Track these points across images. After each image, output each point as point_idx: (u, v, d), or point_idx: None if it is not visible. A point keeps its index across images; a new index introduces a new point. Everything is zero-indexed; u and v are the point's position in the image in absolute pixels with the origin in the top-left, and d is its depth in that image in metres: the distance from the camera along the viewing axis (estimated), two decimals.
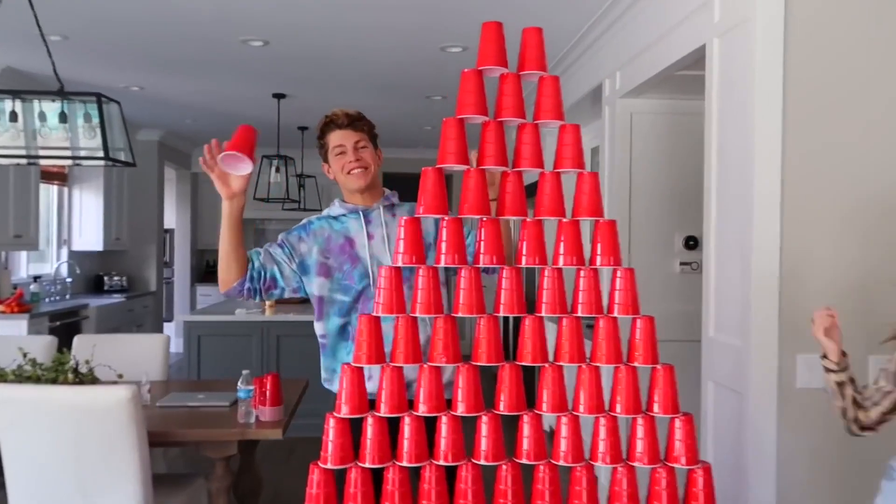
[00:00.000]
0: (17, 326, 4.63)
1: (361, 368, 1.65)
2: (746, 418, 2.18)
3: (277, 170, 5.68)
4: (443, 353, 1.65)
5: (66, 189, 6.55)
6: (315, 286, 2.08)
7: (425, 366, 1.65)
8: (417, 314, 1.65)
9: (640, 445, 1.65)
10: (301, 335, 4.88)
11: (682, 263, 3.46)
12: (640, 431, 1.67)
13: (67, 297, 6.19)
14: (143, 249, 7.48)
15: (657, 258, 3.46)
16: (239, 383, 2.48)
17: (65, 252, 6.57)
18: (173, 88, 5.51)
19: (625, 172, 3.46)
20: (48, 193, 6.32)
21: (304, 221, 2.16)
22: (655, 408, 1.68)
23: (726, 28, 2.37)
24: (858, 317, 2.07)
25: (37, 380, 2.56)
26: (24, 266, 5.95)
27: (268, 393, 2.49)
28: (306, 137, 7.01)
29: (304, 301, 5.81)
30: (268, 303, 5.49)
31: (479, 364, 1.66)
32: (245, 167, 1.96)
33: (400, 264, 1.66)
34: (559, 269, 1.70)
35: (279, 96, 5.54)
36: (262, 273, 2.05)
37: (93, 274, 7.04)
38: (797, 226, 2.17)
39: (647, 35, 3.05)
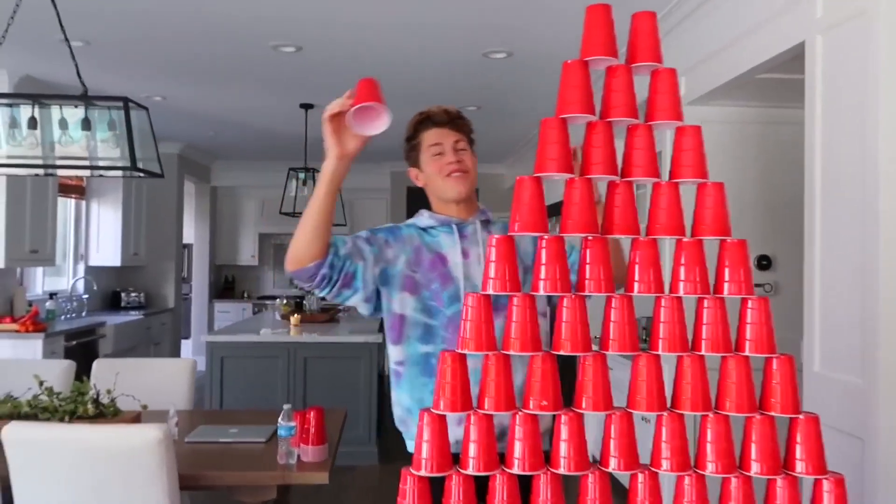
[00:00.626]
0: (32, 346, 4.39)
1: (445, 417, 1.37)
2: (874, 467, 1.88)
3: (304, 183, 5.44)
4: (541, 397, 1.37)
5: (83, 202, 6.35)
6: (396, 302, 1.73)
7: (520, 413, 1.37)
8: (511, 351, 1.37)
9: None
10: (330, 357, 4.62)
11: (755, 285, 3.16)
12: (779, 495, 1.38)
13: (84, 314, 5.96)
14: (162, 265, 7.25)
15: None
16: (280, 419, 2.20)
17: (81, 267, 6.35)
18: (197, 98, 5.29)
19: None
20: (65, 207, 6.12)
21: (389, 225, 1.83)
22: (799, 466, 1.39)
23: (833, 23, 2.10)
24: None
25: (54, 412, 2.31)
26: (39, 281, 5.73)
27: (311, 430, 2.22)
28: None
29: (331, 320, 5.60)
30: (292, 321, 5.23)
31: (583, 411, 1.38)
32: (376, 125, 1.59)
33: (491, 291, 1.38)
34: (679, 299, 1.42)
35: (307, 106, 5.31)
36: (345, 265, 1.67)
37: (110, 290, 6.82)
38: None
39: (721, 35, 2.79)
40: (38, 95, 2.69)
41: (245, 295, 9.11)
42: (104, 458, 1.88)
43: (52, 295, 5.56)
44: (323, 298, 1.72)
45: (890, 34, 1.88)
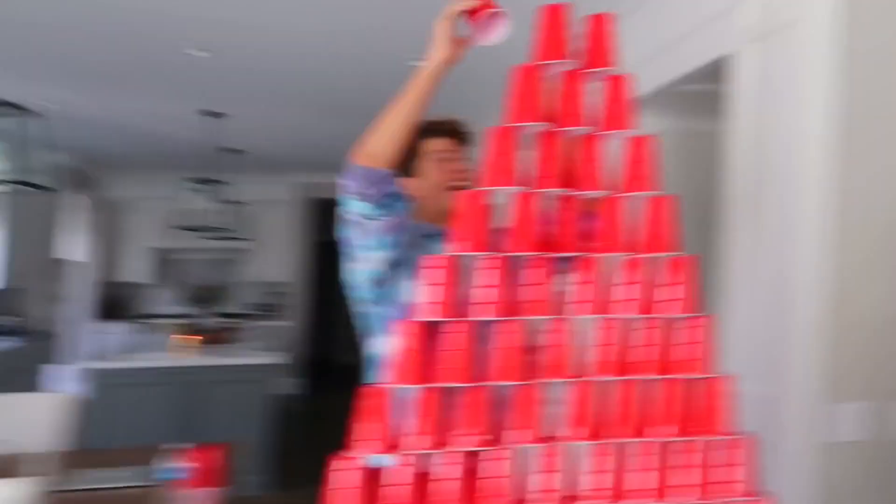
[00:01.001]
0: None
1: None
2: (779, 474, 1.85)
3: (205, 196, 5.07)
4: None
5: None
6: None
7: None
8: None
9: None
10: (235, 381, 4.28)
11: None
12: None
13: None
14: (42, 286, 6.59)
15: None
16: (155, 459, 1.92)
17: None
18: (96, 106, 4.80)
19: None
20: None
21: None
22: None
23: (758, 35, 2.08)
24: None
25: None
26: None
27: (204, 468, 1.95)
28: (241, 161, 6.38)
29: (226, 341, 5.21)
30: (186, 343, 4.83)
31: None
32: (489, 36, 1.43)
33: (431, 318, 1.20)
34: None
35: (216, 114, 4.94)
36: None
37: None
38: (848, 260, 1.86)
39: (643, 48, 2.75)
40: None
41: (133, 315, 8.46)
42: None
43: None
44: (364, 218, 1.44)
45: (817, 44, 1.86)
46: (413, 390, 1.19)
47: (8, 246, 5.78)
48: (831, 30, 1.84)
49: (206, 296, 5.91)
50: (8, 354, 5.43)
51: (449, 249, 1.23)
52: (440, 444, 1.18)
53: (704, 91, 2.47)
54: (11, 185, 2.41)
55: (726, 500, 1.27)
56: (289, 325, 7.87)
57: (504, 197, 1.25)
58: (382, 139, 1.45)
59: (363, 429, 1.17)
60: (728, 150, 2.19)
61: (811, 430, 1.88)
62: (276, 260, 8.19)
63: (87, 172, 7.37)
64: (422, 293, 1.22)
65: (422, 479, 1.18)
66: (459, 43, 1.44)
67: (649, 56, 2.76)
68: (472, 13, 1.42)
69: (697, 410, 1.31)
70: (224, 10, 3.08)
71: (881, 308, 1.89)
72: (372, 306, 1.58)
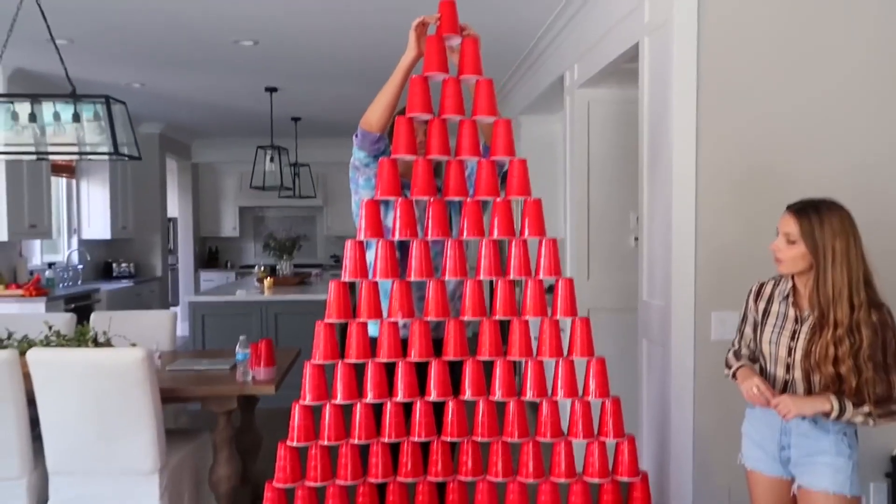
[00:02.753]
0: (36, 309, 5.01)
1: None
2: (669, 368, 2.56)
3: (272, 159, 6.03)
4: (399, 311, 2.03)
5: (74, 181, 6.92)
6: None
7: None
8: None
9: (560, 385, 2.03)
10: (297, 313, 5.27)
11: (636, 239, 3.81)
12: (561, 372, 2.04)
13: (79, 282, 6.58)
14: (149, 237, 7.86)
15: (614, 236, 3.82)
16: (237, 347, 2.86)
17: (75, 240, 6.95)
18: (172, 85, 5.86)
19: (583, 157, 3.81)
20: (58, 185, 6.69)
21: None
22: (575, 352, 2.05)
23: (653, 28, 2.71)
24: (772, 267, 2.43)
25: (62, 347, 2.95)
26: (37, 254, 6.33)
27: (262, 355, 2.87)
28: (299, 128, 7.36)
29: (302, 283, 6.25)
30: (266, 284, 5.89)
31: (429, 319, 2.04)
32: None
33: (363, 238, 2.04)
34: (495, 242, 2.06)
35: (271, 90, 5.88)
36: (388, 143, 2.27)
37: (102, 261, 7.43)
38: (709, 199, 2.53)
39: (597, 30, 3.39)
40: (35, 95, 3.27)
41: (228, 265, 9.74)
42: (103, 373, 2.53)
43: (50, 265, 6.17)
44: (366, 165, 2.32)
45: (681, 38, 2.50)
46: (390, 283, 2.02)
47: (111, 203, 6.99)
48: (689, 28, 2.48)
49: (284, 247, 6.95)
50: (122, 293, 6.68)
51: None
52: (408, 315, 2.01)
53: (633, 69, 3.10)
54: (106, 156, 3.34)
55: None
56: None
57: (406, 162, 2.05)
58: (376, 112, 2.23)
59: (364, 309, 2.00)
60: (639, 119, 2.86)
61: (690, 332, 2.55)
62: (345, 215, 9.19)
63: (179, 140, 8.55)
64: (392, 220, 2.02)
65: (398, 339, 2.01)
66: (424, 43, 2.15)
67: (594, 43, 3.41)
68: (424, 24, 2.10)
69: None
70: (266, 7, 3.89)
71: (736, 240, 2.54)
72: None
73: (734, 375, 1.93)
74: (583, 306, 3.93)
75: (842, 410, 1.71)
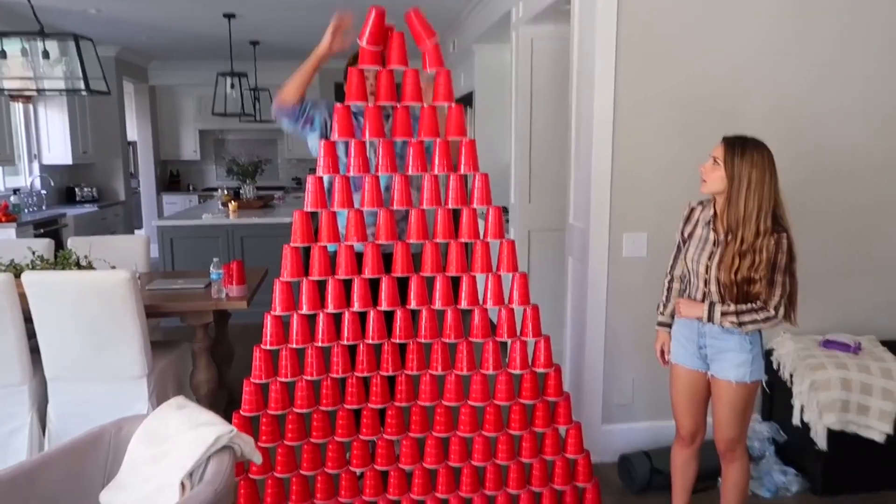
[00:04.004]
0: (7, 234, 5.23)
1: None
2: (587, 281, 3.00)
3: (232, 86, 6.17)
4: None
5: (31, 106, 6.94)
6: None
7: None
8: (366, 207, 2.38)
9: (489, 295, 2.44)
10: (263, 236, 5.59)
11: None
12: (490, 284, 2.45)
13: (44, 207, 6.73)
14: (110, 162, 7.95)
15: (555, 163, 4.19)
16: (211, 268, 3.20)
17: (36, 166, 7.04)
18: (128, 10, 5.87)
19: (527, 89, 4.12)
20: (15, 111, 6.71)
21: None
22: (503, 268, 2.45)
23: None
24: (676, 197, 2.85)
25: (48, 269, 3.25)
26: (0, 180, 6.44)
27: (234, 274, 3.22)
28: (258, 51, 7.42)
29: (265, 206, 6.52)
30: (231, 207, 6.15)
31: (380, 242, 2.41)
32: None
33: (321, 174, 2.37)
34: (436, 176, 2.42)
35: (229, 16, 5.95)
36: (306, 110, 2.71)
37: (64, 186, 7.54)
38: (625, 136, 2.91)
39: None
40: (3, 32, 3.42)
41: (190, 187, 9.87)
42: (94, 292, 2.85)
43: (14, 191, 6.30)
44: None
45: None
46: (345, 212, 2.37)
47: (70, 128, 7.05)
48: None
49: (247, 172, 7.14)
50: (88, 217, 6.87)
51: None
52: (362, 239, 2.37)
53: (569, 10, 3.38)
54: (77, 91, 3.55)
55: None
56: None
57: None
58: (289, 90, 2.66)
59: (325, 235, 2.35)
60: (569, 54, 3.17)
61: (605, 250, 2.98)
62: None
63: (135, 62, 8.50)
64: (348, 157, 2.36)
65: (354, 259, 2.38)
66: (341, 41, 2.48)
67: None
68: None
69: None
70: None
71: (647, 173, 2.94)
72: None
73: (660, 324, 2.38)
74: (524, 227, 4.36)
75: (710, 317, 2.12)
